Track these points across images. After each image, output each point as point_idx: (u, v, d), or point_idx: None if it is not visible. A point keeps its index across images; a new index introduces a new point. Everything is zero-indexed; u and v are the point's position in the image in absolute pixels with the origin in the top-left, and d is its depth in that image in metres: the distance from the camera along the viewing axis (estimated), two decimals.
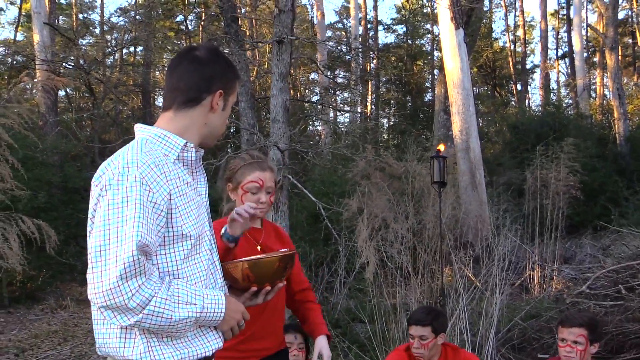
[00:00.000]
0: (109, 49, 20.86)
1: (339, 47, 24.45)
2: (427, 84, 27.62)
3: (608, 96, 20.70)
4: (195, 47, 2.08)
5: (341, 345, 6.33)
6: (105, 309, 1.74)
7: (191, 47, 2.10)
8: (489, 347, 5.57)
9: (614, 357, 5.32)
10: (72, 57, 16.84)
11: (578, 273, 7.92)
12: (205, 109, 2.02)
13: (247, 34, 19.83)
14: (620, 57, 20.60)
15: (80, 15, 24.34)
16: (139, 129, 2.00)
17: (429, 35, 28.10)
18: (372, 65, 26.84)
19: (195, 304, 1.85)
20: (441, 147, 6.70)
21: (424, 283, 6.46)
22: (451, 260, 6.77)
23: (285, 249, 2.58)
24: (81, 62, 16.79)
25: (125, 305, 1.71)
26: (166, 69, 2.20)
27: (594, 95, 25.29)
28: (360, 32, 24.23)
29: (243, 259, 2.19)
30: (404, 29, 27.67)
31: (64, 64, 16.40)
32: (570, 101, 23.46)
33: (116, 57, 23.02)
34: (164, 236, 1.86)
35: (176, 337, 1.88)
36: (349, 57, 22.94)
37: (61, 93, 18.13)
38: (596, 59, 26.43)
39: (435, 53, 26.27)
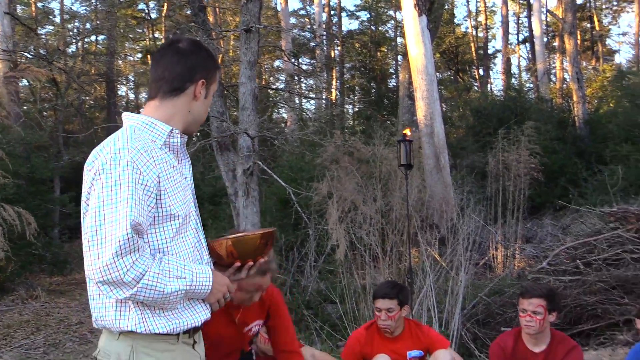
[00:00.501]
0: (71, 38, 20.57)
1: (303, 34, 24.50)
2: (392, 70, 27.79)
3: (567, 80, 21.13)
4: (178, 40, 2.21)
5: (314, 325, 6.52)
6: (102, 284, 1.89)
7: (174, 39, 2.23)
8: (455, 322, 5.81)
9: (573, 328, 5.62)
10: (33, 47, 16.60)
11: (539, 251, 8.19)
12: (189, 98, 2.15)
13: (212, 21, 19.77)
14: (578, 41, 21.06)
15: (40, 4, 23.89)
16: (127, 117, 2.13)
17: (393, 22, 28.27)
18: (336, 52, 26.95)
19: (185, 278, 2.00)
20: (407, 132, 6.87)
21: (392, 264, 6.67)
22: (418, 241, 6.98)
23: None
24: (42, 51, 16.55)
25: (121, 280, 1.86)
26: (150, 60, 2.33)
27: (554, 79, 25.78)
28: (324, 19, 24.30)
29: (227, 236, 2.34)
30: (368, 15, 27.77)
31: (25, 54, 16.16)
32: (531, 85, 23.86)
33: (78, 46, 22.70)
34: (154, 216, 2.00)
35: (168, 309, 2.02)
36: (313, 44, 23.01)
37: (22, 83, 17.81)
38: (556, 43, 26.93)
39: (399, 39, 26.44)
